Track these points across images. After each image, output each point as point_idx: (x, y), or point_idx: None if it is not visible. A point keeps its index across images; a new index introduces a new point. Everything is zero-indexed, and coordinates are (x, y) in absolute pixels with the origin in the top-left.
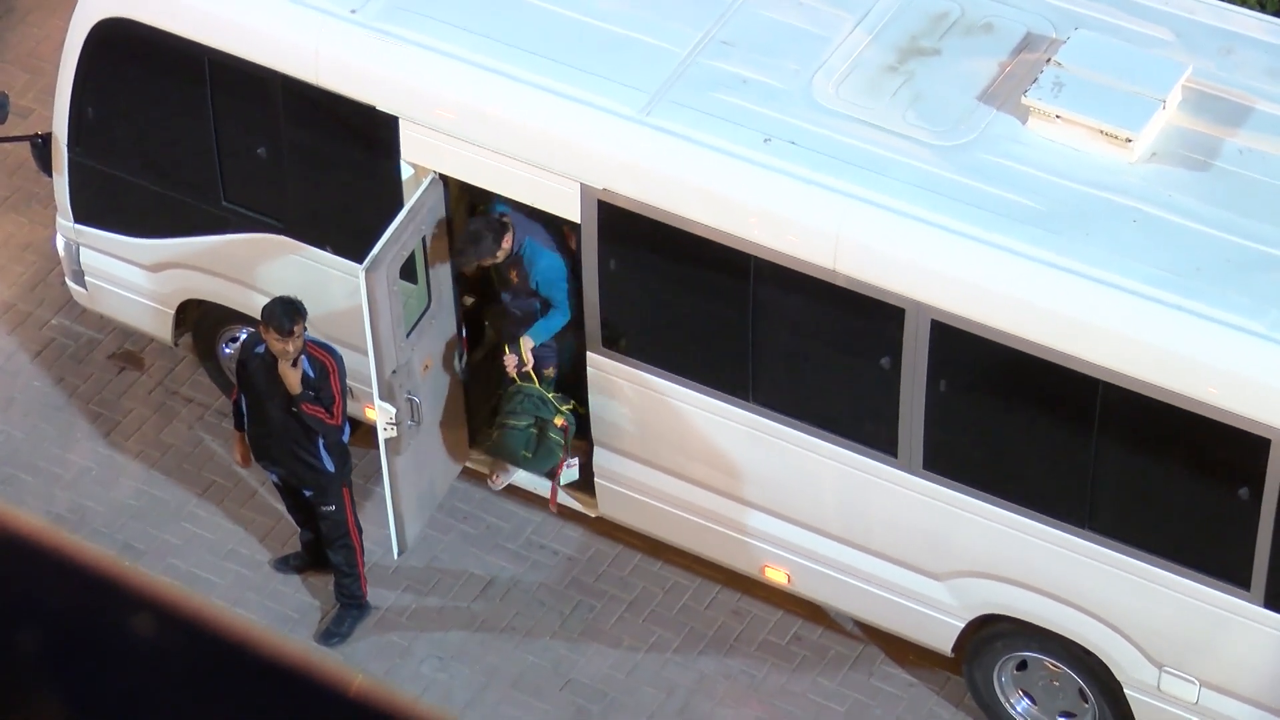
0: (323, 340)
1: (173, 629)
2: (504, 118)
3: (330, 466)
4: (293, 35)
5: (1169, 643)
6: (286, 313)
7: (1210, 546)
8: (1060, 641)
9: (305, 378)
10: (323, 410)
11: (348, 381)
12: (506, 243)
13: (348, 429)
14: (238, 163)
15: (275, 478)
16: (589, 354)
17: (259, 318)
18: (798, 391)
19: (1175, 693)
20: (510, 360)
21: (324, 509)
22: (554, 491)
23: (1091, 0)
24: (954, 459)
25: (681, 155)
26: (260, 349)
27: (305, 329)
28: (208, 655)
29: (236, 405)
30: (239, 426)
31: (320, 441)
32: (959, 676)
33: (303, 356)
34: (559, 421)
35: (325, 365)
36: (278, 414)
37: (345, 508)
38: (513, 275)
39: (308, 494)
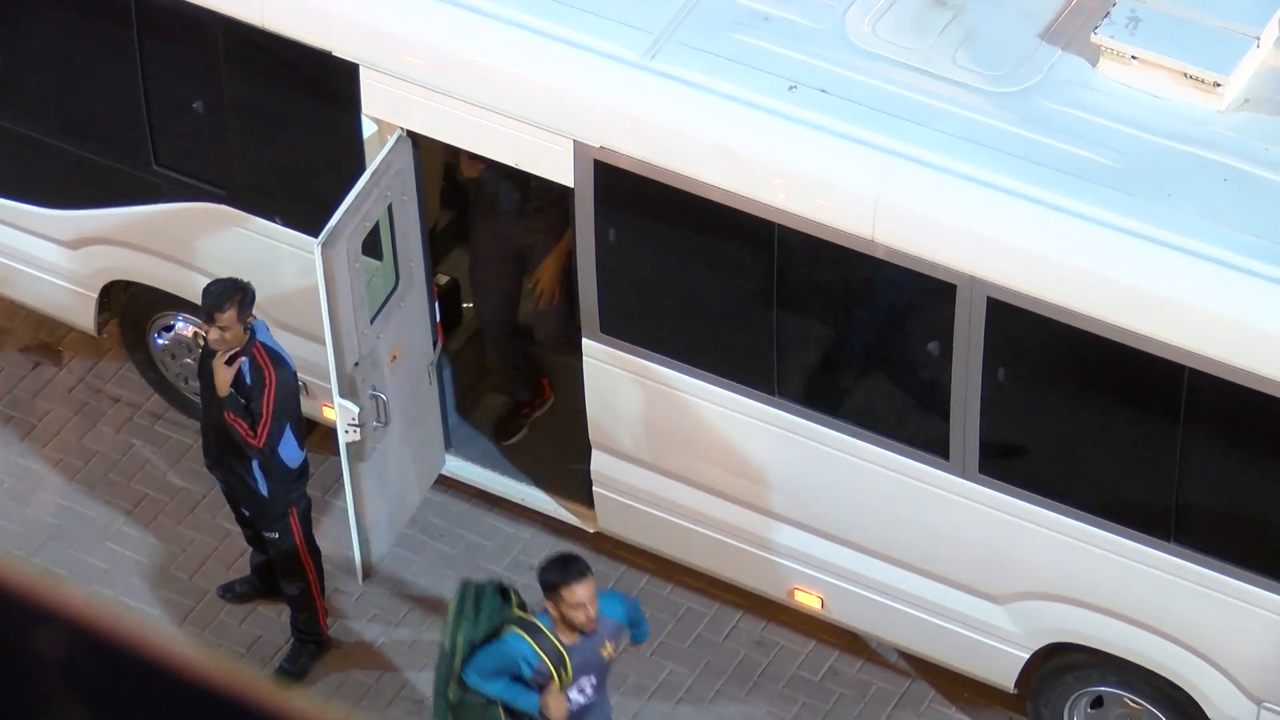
0: (278, 349)
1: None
2: (483, 64)
3: (263, 490)
4: None
5: (1269, 675)
6: (217, 296)
7: None
8: (1142, 674)
9: (240, 381)
10: (245, 426)
11: (299, 381)
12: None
13: (296, 457)
14: (171, 120)
15: (220, 484)
16: (584, 341)
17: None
18: (830, 383)
19: None
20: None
21: (266, 534)
22: None
23: None
24: (1015, 461)
25: (691, 106)
26: None
27: (250, 323)
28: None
29: None
30: None
31: (253, 460)
32: (1023, 716)
33: (245, 359)
34: None
35: (264, 378)
36: (215, 413)
37: (292, 535)
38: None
39: (245, 513)
